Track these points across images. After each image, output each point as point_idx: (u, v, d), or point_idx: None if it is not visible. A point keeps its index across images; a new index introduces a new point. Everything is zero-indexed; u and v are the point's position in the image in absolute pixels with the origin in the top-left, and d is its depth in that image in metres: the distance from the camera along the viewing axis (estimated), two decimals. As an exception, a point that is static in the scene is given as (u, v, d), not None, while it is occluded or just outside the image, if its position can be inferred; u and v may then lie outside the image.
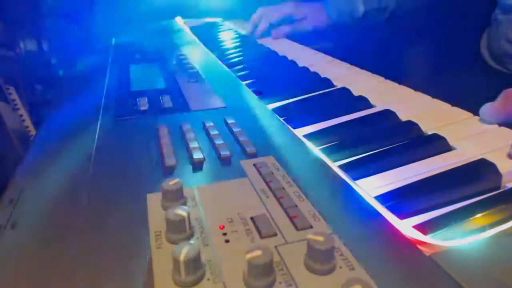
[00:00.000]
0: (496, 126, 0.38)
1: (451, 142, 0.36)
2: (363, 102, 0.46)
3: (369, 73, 0.57)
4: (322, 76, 0.56)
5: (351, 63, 0.63)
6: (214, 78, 0.54)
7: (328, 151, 0.35)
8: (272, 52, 0.76)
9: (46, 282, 0.20)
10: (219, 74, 0.58)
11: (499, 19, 0.75)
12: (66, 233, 0.23)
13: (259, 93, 0.50)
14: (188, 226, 0.22)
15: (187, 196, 0.26)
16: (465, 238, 0.22)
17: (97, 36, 0.95)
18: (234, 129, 0.36)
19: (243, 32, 0.97)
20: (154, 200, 0.26)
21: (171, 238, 0.22)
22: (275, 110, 0.44)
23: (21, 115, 0.79)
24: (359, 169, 0.32)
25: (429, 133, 0.38)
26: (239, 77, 0.57)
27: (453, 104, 0.43)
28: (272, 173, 0.29)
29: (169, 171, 0.30)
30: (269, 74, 0.61)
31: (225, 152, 0.32)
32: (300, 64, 0.64)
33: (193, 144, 0.33)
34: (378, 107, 0.45)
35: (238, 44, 0.86)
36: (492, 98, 0.40)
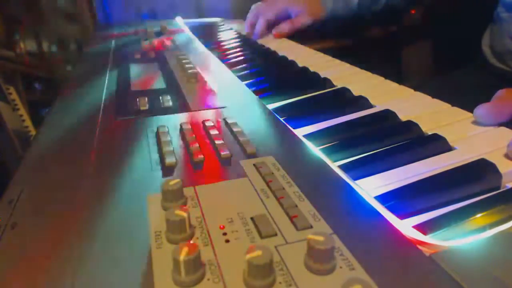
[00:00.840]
0: (496, 126, 0.38)
1: (451, 142, 0.36)
2: (363, 102, 0.46)
3: (369, 73, 0.57)
4: (322, 76, 0.56)
5: (351, 63, 0.63)
6: (214, 78, 0.54)
7: (328, 151, 0.35)
8: (272, 52, 0.76)
9: (46, 282, 0.20)
10: (219, 74, 0.58)
11: (502, 17, 0.75)
12: (66, 233, 0.23)
13: (259, 93, 0.50)
14: (188, 226, 0.22)
15: (187, 196, 0.26)
16: (465, 238, 0.22)
17: (97, 36, 0.95)
18: (234, 129, 0.36)
19: (243, 32, 0.97)
20: (154, 200, 0.26)
21: (171, 238, 0.22)
22: (275, 110, 0.44)
23: (21, 115, 0.79)
24: (359, 169, 0.32)
25: (429, 133, 0.38)
26: (239, 77, 0.57)
27: (453, 104, 0.43)
28: (272, 173, 0.29)
29: (169, 171, 0.30)
30: (269, 74, 0.61)
31: (225, 152, 0.32)
32: (300, 64, 0.64)
33: (193, 144, 0.33)
34: (378, 107, 0.45)
35: (238, 44, 0.86)
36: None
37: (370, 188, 0.30)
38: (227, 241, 0.22)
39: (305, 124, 0.42)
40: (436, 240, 0.22)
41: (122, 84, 0.53)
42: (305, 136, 0.38)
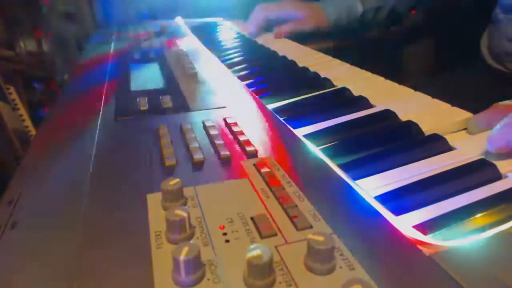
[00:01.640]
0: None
1: (451, 142, 0.36)
2: (363, 102, 0.46)
3: (369, 73, 0.57)
4: (322, 76, 0.56)
5: (351, 63, 0.63)
6: (214, 78, 0.54)
7: (328, 151, 0.35)
8: (272, 52, 0.76)
9: (46, 282, 0.20)
10: (219, 74, 0.58)
11: (499, 18, 0.75)
12: (66, 233, 0.23)
13: (259, 93, 0.50)
14: (188, 226, 0.22)
15: (187, 196, 0.26)
16: (465, 238, 0.22)
17: (97, 36, 0.95)
18: (234, 129, 0.36)
19: (243, 32, 0.97)
20: (154, 200, 0.26)
21: (171, 238, 0.22)
22: (275, 110, 0.44)
23: (21, 115, 0.79)
24: (359, 169, 0.32)
25: (429, 133, 0.38)
26: (239, 77, 0.57)
27: (453, 104, 0.43)
28: (272, 173, 0.29)
29: (169, 171, 0.30)
30: (269, 74, 0.61)
31: (225, 152, 0.32)
32: (300, 64, 0.64)
33: (193, 144, 0.33)
34: (378, 107, 0.45)
35: (238, 44, 0.86)
36: (492, 98, 0.40)
37: (370, 188, 0.30)
38: (227, 241, 0.22)
39: (305, 124, 0.42)
40: (436, 240, 0.22)
41: (122, 84, 0.53)
42: (305, 136, 0.38)
